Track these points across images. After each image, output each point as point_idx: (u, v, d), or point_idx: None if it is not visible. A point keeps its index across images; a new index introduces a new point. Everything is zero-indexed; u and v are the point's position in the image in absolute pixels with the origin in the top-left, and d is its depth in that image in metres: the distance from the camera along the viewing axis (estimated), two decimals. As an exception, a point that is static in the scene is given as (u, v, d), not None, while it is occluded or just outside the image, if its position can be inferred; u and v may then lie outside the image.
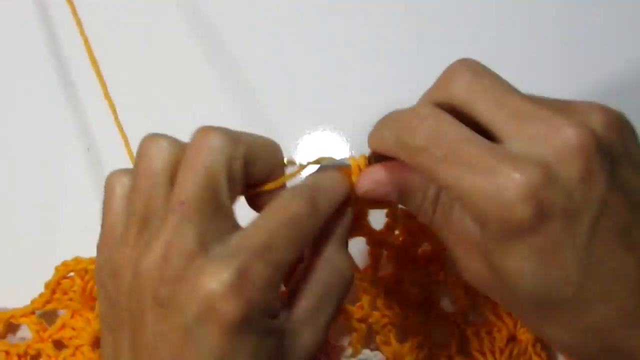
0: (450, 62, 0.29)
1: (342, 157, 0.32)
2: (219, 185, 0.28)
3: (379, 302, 0.39)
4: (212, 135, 0.29)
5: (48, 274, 0.40)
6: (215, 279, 0.26)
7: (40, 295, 0.40)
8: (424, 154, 0.27)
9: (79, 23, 0.40)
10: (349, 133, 0.45)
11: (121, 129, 0.37)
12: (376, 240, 0.38)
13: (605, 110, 0.27)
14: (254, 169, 0.30)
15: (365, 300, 0.38)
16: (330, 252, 0.31)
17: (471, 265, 0.29)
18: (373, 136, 0.30)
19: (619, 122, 0.27)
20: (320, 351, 0.37)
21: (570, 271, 0.26)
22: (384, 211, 0.38)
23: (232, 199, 0.30)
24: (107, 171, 0.32)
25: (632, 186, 0.27)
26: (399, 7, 0.47)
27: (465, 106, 0.28)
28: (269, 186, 0.31)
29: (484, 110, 0.27)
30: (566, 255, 0.26)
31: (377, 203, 0.34)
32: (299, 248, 0.29)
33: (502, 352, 0.39)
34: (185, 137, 0.30)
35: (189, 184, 0.28)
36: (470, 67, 0.28)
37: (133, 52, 0.47)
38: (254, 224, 0.29)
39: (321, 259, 0.31)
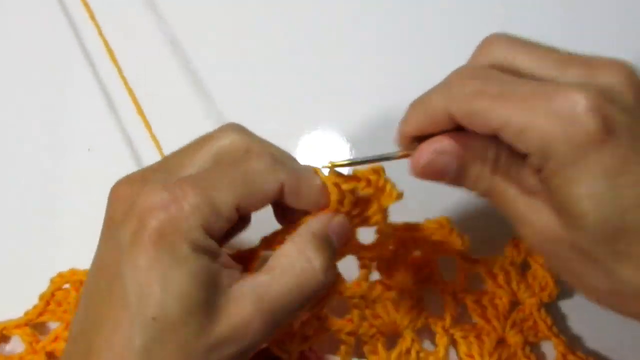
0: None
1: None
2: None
3: (367, 312, 0.39)
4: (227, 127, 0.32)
5: (42, 283, 0.41)
6: (148, 197, 0.28)
7: (34, 307, 0.40)
8: (480, 97, 0.27)
9: (97, 26, 0.42)
10: (349, 133, 0.45)
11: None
12: (366, 255, 0.38)
13: (622, 63, 0.28)
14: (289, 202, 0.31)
15: (355, 314, 0.38)
16: (300, 239, 0.30)
17: (535, 218, 0.29)
18: (414, 111, 0.30)
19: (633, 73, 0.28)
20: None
21: None
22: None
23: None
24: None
25: None
26: (399, 8, 0.47)
27: (506, 64, 0.28)
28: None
29: (529, 61, 0.28)
30: (635, 172, 0.25)
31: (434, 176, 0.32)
32: (242, 193, 0.29)
33: (491, 355, 0.39)
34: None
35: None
36: (505, 35, 0.29)
37: (129, 53, 0.46)
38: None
39: (289, 243, 0.31)
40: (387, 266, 0.39)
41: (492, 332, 0.39)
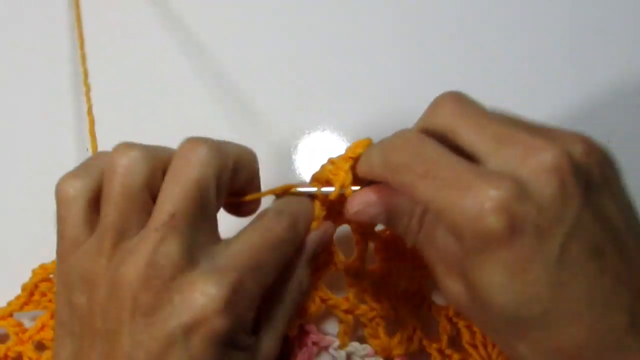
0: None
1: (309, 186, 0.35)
2: (208, 197, 0.30)
3: (367, 296, 0.38)
4: (201, 147, 0.30)
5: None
6: (207, 294, 0.28)
7: (17, 297, 0.39)
8: (406, 171, 0.29)
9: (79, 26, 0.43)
10: (349, 133, 0.45)
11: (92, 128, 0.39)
12: (362, 231, 0.38)
13: (588, 141, 0.27)
14: (237, 179, 0.32)
15: (351, 292, 0.38)
16: (298, 272, 0.34)
17: (450, 285, 0.30)
18: (362, 160, 0.33)
19: (600, 153, 0.28)
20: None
21: (541, 288, 0.26)
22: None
23: (217, 209, 0.32)
24: None
25: (608, 212, 0.27)
26: (399, 7, 0.48)
27: (448, 132, 0.29)
28: (250, 197, 0.34)
29: (465, 133, 0.29)
30: (537, 271, 0.26)
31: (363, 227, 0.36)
32: (279, 268, 0.32)
33: (494, 344, 0.38)
34: (182, 138, 0.31)
35: (178, 197, 0.29)
36: (454, 97, 0.30)
37: (131, 52, 0.48)
38: (241, 240, 0.31)
39: (288, 270, 0.34)
40: (386, 249, 0.38)
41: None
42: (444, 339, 0.38)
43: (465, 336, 0.38)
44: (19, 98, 0.47)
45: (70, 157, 0.45)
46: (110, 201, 0.30)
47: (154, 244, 0.28)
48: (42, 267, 0.38)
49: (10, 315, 0.39)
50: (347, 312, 0.38)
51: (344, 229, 0.38)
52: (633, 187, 0.29)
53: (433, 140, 0.29)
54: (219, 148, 0.30)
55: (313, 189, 0.35)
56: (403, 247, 0.38)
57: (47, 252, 0.38)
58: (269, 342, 0.32)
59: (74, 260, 0.30)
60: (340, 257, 0.37)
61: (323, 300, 0.37)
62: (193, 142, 0.30)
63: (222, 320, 0.28)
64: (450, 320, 0.38)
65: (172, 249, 0.28)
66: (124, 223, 0.29)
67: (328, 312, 0.39)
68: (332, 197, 0.34)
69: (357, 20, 0.48)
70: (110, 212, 0.29)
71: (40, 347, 0.39)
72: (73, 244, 0.30)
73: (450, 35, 0.47)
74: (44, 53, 0.48)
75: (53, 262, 0.38)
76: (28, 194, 0.44)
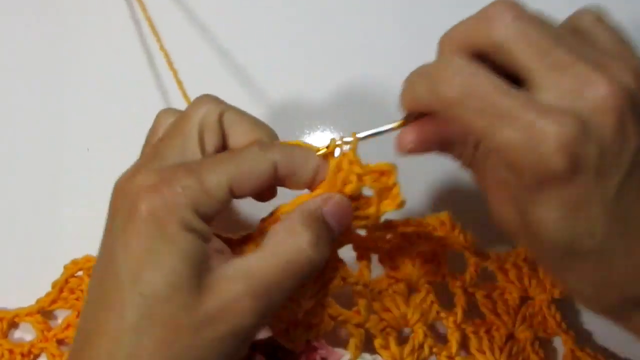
0: None
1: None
2: (190, 130, 0.31)
3: (376, 305, 0.39)
4: (200, 97, 0.33)
5: (46, 274, 0.41)
6: (142, 179, 0.29)
7: (47, 294, 0.40)
8: (460, 106, 0.27)
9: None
10: (349, 133, 0.44)
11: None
12: (362, 246, 0.38)
13: (638, 70, 0.27)
14: (232, 135, 0.33)
15: (361, 304, 0.38)
16: (291, 219, 0.31)
17: (504, 210, 0.30)
18: (406, 94, 0.30)
19: None
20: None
21: (596, 225, 0.27)
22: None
23: (203, 149, 0.32)
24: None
25: None
26: (400, 7, 0.48)
27: (502, 50, 0.28)
28: None
29: (524, 57, 0.27)
30: (594, 209, 0.26)
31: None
32: (235, 175, 0.30)
33: (501, 350, 0.39)
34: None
35: (168, 127, 0.33)
36: (515, 9, 0.27)
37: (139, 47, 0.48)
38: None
39: (280, 222, 0.31)
40: (390, 258, 0.39)
41: (502, 327, 0.39)
42: (453, 345, 0.39)
43: (474, 342, 0.39)
44: (19, 98, 0.47)
45: (71, 157, 0.46)
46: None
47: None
48: (74, 262, 0.40)
49: (37, 312, 0.40)
50: (358, 325, 0.38)
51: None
52: None
53: (484, 71, 0.27)
54: (213, 99, 0.33)
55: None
56: (411, 255, 0.39)
57: (77, 252, 0.40)
58: (234, 283, 0.29)
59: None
60: (349, 272, 0.37)
61: (333, 318, 0.37)
62: (197, 97, 0.33)
63: (148, 200, 0.28)
64: (458, 326, 0.39)
65: (148, 163, 0.31)
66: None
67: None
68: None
69: (358, 19, 0.47)
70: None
71: (62, 345, 0.40)
72: None
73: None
74: (44, 51, 0.47)
75: (84, 257, 0.39)
76: (46, 200, 0.45)
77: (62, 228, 0.44)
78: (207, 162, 0.30)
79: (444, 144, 0.31)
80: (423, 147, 0.31)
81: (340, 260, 0.36)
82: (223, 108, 0.32)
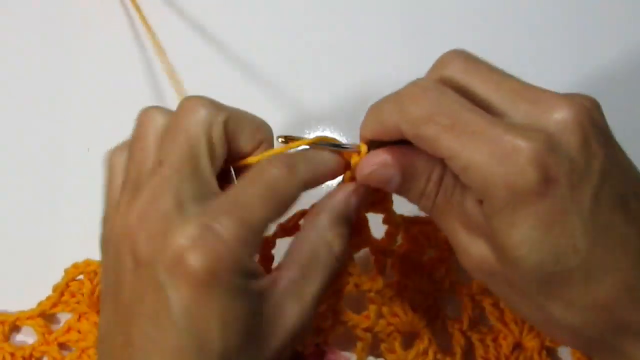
0: None
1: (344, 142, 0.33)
2: (198, 148, 0.29)
3: (385, 310, 0.38)
4: (194, 102, 0.30)
5: (47, 277, 0.40)
6: (182, 234, 0.26)
7: (48, 297, 0.40)
8: (428, 124, 0.27)
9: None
10: (349, 133, 0.45)
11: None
12: (379, 249, 0.38)
13: (592, 98, 0.28)
14: (238, 141, 0.31)
15: (372, 309, 0.38)
16: (320, 226, 0.31)
17: (473, 249, 0.29)
18: (371, 117, 0.30)
19: (600, 108, 0.28)
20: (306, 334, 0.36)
21: (577, 239, 0.26)
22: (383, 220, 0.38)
23: (214, 165, 0.30)
24: None
25: (623, 163, 0.28)
26: (400, 7, 0.48)
27: (461, 87, 0.28)
28: (252, 159, 0.31)
29: (481, 88, 0.28)
30: (572, 222, 0.26)
31: (376, 195, 0.34)
32: (274, 208, 0.29)
33: (507, 359, 0.39)
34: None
35: (169, 147, 0.29)
36: (462, 54, 0.29)
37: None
38: (230, 187, 0.29)
39: (309, 231, 0.31)
40: (402, 264, 0.39)
41: (509, 336, 0.39)
42: (458, 352, 0.39)
43: (479, 350, 0.39)
44: (19, 98, 0.47)
45: (71, 157, 0.45)
46: (130, 160, 0.30)
47: (146, 195, 0.28)
48: (75, 265, 0.39)
49: (39, 315, 0.40)
50: (366, 330, 0.38)
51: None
52: None
53: (452, 91, 0.28)
54: (211, 103, 0.30)
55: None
56: (419, 262, 0.39)
57: (77, 253, 0.40)
58: (291, 308, 0.29)
59: (106, 223, 0.30)
60: (363, 278, 0.37)
61: (342, 323, 0.37)
62: (187, 98, 0.30)
63: (197, 258, 0.26)
64: (464, 334, 0.39)
65: (161, 198, 0.27)
66: (138, 178, 0.29)
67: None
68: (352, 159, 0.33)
69: (358, 19, 0.48)
70: (130, 168, 0.30)
71: (64, 348, 0.40)
72: (111, 207, 0.31)
73: (451, 36, 0.47)
74: (44, 51, 0.47)
75: (84, 261, 0.39)
76: (46, 200, 0.44)
77: (62, 230, 0.44)
78: (244, 195, 0.28)
79: (407, 175, 0.30)
80: (386, 173, 0.30)
81: (356, 266, 0.36)
82: (225, 115, 0.31)
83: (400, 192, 0.31)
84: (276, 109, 0.46)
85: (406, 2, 0.48)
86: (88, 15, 0.48)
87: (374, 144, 0.31)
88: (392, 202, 0.35)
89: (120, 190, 0.30)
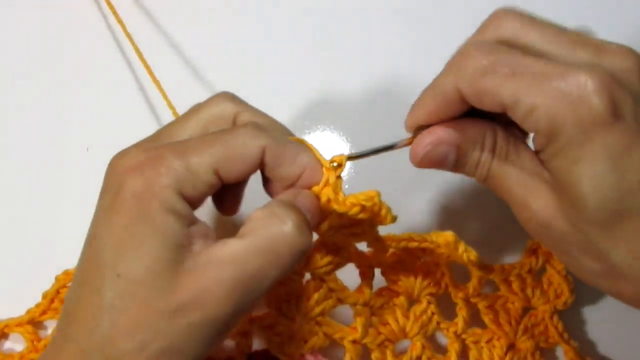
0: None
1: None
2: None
3: (375, 320, 0.38)
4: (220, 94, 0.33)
5: (37, 284, 0.40)
6: (129, 157, 0.29)
7: (37, 305, 0.39)
8: (489, 74, 0.27)
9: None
10: (349, 133, 0.45)
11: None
12: (364, 264, 0.38)
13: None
14: (280, 168, 0.31)
15: (359, 322, 0.37)
16: (273, 204, 0.29)
17: (533, 202, 0.29)
18: (423, 97, 0.30)
19: None
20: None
21: None
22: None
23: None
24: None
25: None
26: (399, 8, 0.47)
27: (516, 39, 0.28)
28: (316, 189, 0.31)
29: (539, 39, 0.28)
30: (638, 158, 0.26)
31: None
32: (219, 158, 0.29)
33: (501, 360, 0.39)
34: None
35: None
36: (514, 10, 0.29)
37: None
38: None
39: (263, 208, 0.29)
40: (393, 272, 0.39)
41: (503, 337, 0.39)
42: (452, 356, 0.38)
43: (474, 352, 0.39)
44: (19, 98, 0.46)
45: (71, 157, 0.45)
46: None
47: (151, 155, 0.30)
48: (66, 273, 0.39)
49: (28, 322, 0.39)
50: (354, 342, 0.37)
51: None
52: None
53: (506, 46, 0.28)
54: (253, 126, 0.30)
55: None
56: (412, 267, 0.39)
57: (67, 261, 0.39)
58: (221, 260, 0.27)
59: None
60: (346, 292, 0.37)
61: (328, 336, 0.36)
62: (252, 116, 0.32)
63: (136, 178, 0.28)
64: (459, 337, 0.39)
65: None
66: None
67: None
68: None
69: (358, 19, 0.47)
70: None
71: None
72: None
73: (450, 35, 0.45)
74: (44, 51, 0.46)
75: (75, 268, 0.38)
76: (46, 200, 0.44)
77: (61, 228, 0.43)
78: (194, 142, 0.29)
79: (462, 149, 0.30)
80: (441, 150, 0.30)
81: (336, 281, 0.36)
82: (240, 109, 0.32)
83: (456, 168, 0.31)
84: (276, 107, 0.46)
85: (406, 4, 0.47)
86: (88, 16, 0.47)
87: (418, 132, 0.31)
88: (377, 231, 0.34)
89: None
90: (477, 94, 0.28)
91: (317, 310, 0.35)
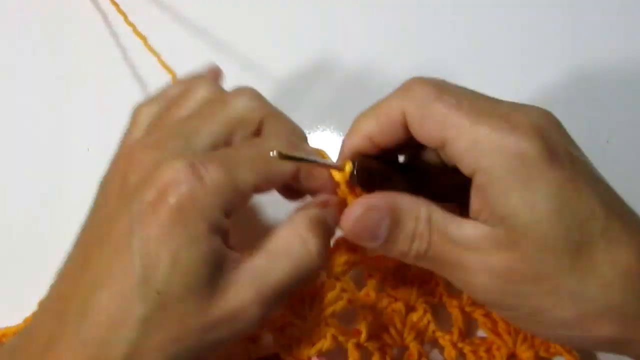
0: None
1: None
2: (232, 128, 0.32)
3: (375, 324, 0.38)
4: (242, 91, 0.33)
5: (40, 286, 0.38)
6: (169, 167, 0.28)
7: (33, 313, 0.39)
8: (438, 102, 0.28)
9: None
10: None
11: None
12: (373, 267, 0.38)
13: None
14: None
15: (363, 325, 0.37)
16: (295, 221, 0.30)
17: (482, 267, 0.28)
18: (365, 118, 0.31)
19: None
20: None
21: (594, 206, 0.26)
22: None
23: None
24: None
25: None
26: (398, 9, 0.48)
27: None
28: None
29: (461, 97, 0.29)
30: (584, 190, 0.27)
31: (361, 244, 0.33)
32: (262, 177, 0.30)
33: (500, 373, 0.38)
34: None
35: (207, 117, 0.32)
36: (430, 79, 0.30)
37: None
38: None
39: (284, 225, 0.30)
40: (393, 279, 0.39)
41: (502, 347, 0.38)
42: (450, 361, 0.38)
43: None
44: (20, 98, 0.47)
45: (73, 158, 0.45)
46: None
47: (160, 134, 0.31)
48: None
49: (24, 331, 0.39)
50: (357, 344, 0.37)
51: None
52: (632, 187, 0.31)
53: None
54: (255, 95, 0.32)
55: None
56: (406, 276, 0.39)
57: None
58: (245, 290, 0.28)
59: None
60: (356, 294, 0.37)
61: (334, 337, 0.36)
62: (238, 89, 0.33)
63: (174, 192, 0.27)
64: (455, 345, 0.39)
65: (172, 141, 0.30)
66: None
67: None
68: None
69: (357, 20, 0.48)
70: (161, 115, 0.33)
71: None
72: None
73: (447, 36, 0.48)
74: (45, 51, 0.47)
75: None
76: (46, 200, 0.44)
77: (61, 228, 0.42)
78: (239, 155, 0.30)
79: (395, 217, 0.29)
80: (374, 216, 0.30)
81: (349, 282, 0.36)
82: (266, 112, 0.32)
83: (388, 243, 0.30)
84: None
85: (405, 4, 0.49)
86: (88, 15, 0.48)
87: (357, 159, 0.31)
88: None
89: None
90: (422, 119, 0.28)
91: (329, 310, 0.36)
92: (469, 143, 0.27)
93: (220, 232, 0.28)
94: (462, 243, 0.28)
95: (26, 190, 0.45)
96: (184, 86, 0.33)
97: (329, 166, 0.32)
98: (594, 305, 0.27)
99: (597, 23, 0.48)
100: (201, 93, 0.33)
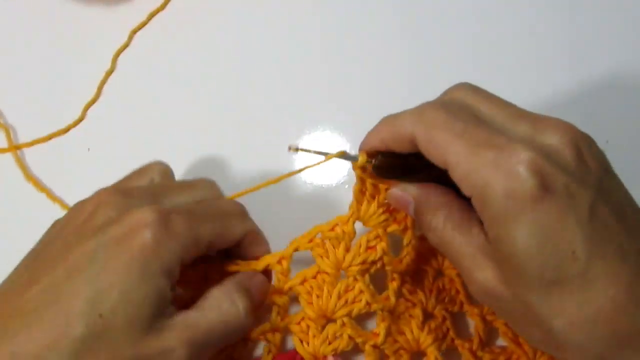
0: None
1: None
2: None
3: (393, 328, 0.38)
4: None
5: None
6: (141, 211, 0.31)
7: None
8: (444, 129, 0.30)
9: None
10: (349, 133, 0.46)
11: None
12: (396, 270, 0.38)
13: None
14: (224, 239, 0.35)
15: (382, 327, 0.37)
16: (226, 284, 0.34)
17: (482, 275, 0.30)
18: (384, 125, 0.33)
19: (594, 141, 0.30)
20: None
21: (577, 246, 0.27)
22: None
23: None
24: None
25: (617, 180, 0.30)
26: (398, 11, 0.49)
27: (470, 106, 0.31)
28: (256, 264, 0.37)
29: (486, 109, 0.30)
30: (571, 229, 0.27)
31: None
32: (218, 236, 0.33)
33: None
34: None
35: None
36: (470, 84, 0.32)
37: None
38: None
39: (217, 286, 0.34)
40: (412, 284, 0.39)
41: (522, 357, 0.38)
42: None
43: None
44: (20, 98, 0.47)
45: (73, 158, 0.46)
46: None
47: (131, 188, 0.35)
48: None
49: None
50: (375, 347, 0.37)
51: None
52: (632, 187, 0.30)
53: (467, 109, 0.30)
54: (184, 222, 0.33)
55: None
56: (428, 282, 0.39)
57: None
58: (172, 337, 0.31)
59: None
60: (375, 297, 0.37)
61: (352, 338, 0.37)
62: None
63: (147, 233, 0.30)
64: (474, 353, 0.38)
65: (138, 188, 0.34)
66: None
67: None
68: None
69: (357, 20, 0.49)
70: None
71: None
72: None
73: (446, 39, 0.48)
74: (46, 52, 0.48)
75: None
76: (46, 200, 0.44)
77: None
78: (202, 212, 0.33)
79: (416, 209, 0.33)
80: (404, 199, 0.34)
81: (368, 285, 0.37)
82: (218, 194, 0.37)
83: (415, 221, 0.35)
84: (275, 109, 0.47)
85: (406, 9, 0.49)
86: (90, 15, 0.49)
87: (374, 155, 0.33)
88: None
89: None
90: (427, 143, 0.30)
91: (343, 311, 0.37)
92: (465, 172, 0.29)
93: (171, 279, 0.31)
94: (464, 248, 0.31)
95: (27, 191, 0.45)
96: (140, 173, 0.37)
97: (344, 158, 0.34)
98: (562, 338, 0.28)
99: (597, 24, 0.48)
100: (157, 179, 0.36)
